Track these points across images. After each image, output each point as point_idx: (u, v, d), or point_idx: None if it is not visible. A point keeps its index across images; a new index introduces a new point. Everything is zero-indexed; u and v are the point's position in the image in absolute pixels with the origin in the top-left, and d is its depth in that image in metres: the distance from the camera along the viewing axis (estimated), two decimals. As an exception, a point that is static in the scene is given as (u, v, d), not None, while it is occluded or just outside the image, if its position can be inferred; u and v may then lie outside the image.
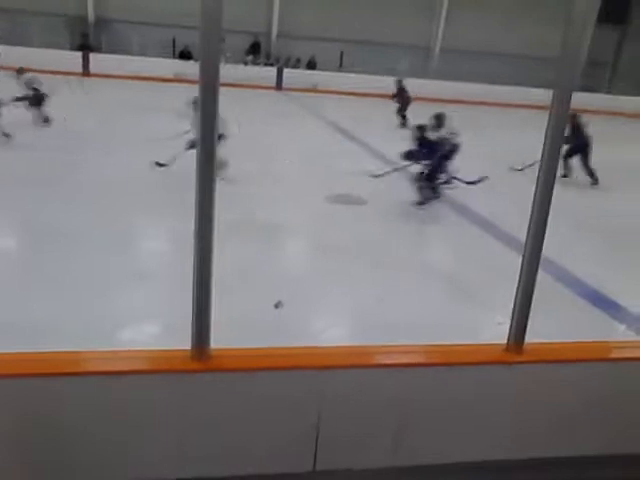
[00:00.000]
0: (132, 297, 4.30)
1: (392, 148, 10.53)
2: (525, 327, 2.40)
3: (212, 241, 1.99)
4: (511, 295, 2.35)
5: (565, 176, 9.59)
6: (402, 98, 14.41)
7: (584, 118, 9.59)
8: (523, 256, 2.31)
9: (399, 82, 14.67)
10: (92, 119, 11.75)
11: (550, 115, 2.18)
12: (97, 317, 3.86)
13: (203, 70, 1.86)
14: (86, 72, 21.01)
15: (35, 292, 4.23)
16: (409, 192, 7.85)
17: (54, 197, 6.51)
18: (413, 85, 15.13)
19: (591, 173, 9.69)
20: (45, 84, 10.59)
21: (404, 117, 14.15)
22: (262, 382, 2.17)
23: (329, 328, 4.19)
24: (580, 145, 9.50)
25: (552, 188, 2.24)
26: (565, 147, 9.01)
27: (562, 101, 2.17)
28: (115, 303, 4.16)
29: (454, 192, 7.62)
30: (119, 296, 4.29)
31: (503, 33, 23.45)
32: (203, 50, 1.85)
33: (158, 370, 2.11)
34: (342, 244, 5.74)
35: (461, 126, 7.85)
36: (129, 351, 2.18)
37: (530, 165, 8.62)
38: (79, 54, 21.19)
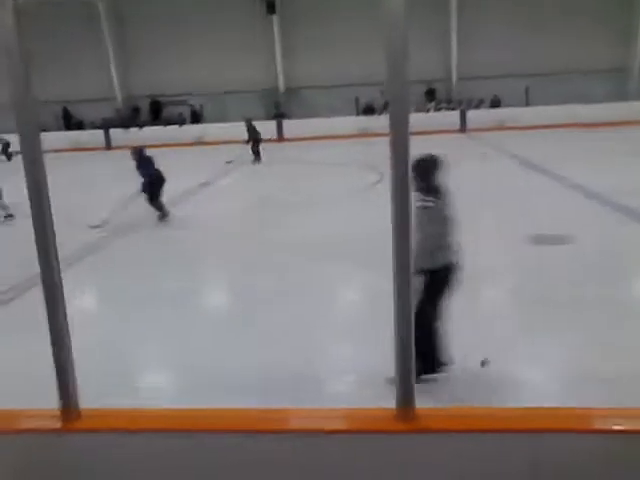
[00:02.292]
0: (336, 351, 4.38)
1: (594, 179, 9.82)
2: None
3: (411, 292, 1.93)
4: None
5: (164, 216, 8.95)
6: (252, 137, 16.08)
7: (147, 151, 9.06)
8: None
9: (248, 122, 16.17)
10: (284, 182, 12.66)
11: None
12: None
13: (393, 122, 1.86)
14: (280, 137, 22.86)
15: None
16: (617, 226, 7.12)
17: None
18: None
19: (159, 207, 8.93)
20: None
21: (257, 153, 16.08)
22: (473, 445, 2.00)
23: (540, 385, 3.84)
24: (153, 179, 8.71)
25: None
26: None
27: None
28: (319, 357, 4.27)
29: None
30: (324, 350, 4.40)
31: None
32: (393, 102, 1.85)
33: (362, 430, 2.06)
34: (550, 289, 5.29)
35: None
36: (332, 409, 2.17)
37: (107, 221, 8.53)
38: (273, 122, 23.20)
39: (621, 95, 21.77)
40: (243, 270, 6.58)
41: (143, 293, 5.90)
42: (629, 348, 4.02)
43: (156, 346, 4.80)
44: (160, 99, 25.25)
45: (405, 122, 1.86)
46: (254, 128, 16.20)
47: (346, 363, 4.22)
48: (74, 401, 2.06)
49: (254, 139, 16.10)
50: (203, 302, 6.04)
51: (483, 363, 3.77)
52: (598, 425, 2.09)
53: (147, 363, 4.70)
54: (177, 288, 5.99)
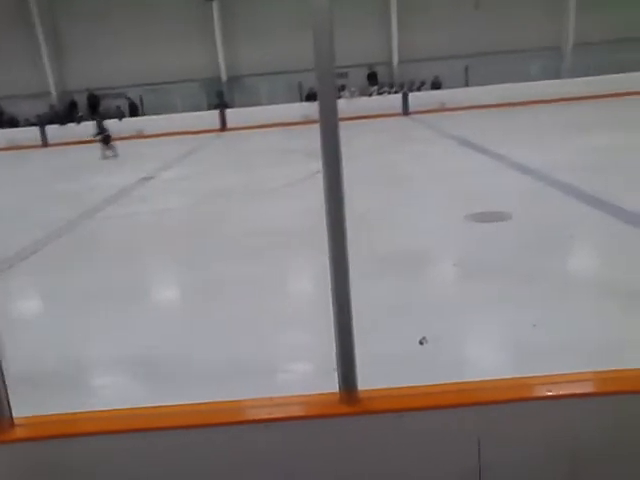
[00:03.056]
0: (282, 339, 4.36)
1: (531, 156, 10.09)
2: None
3: (348, 277, 1.93)
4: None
5: None
6: (101, 133, 17.03)
7: None
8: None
9: (98, 120, 17.46)
10: (232, 170, 12.50)
11: None
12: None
13: (322, 107, 1.85)
14: (223, 127, 22.57)
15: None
16: (556, 204, 7.35)
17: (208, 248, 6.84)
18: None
19: None
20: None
21: (111, 148, 16.79)
22: (415, 423, 2.03)
23: (482, 360, 3.93)
24: None
25: None
26: None
27: None
28: (267, 345, 4.25)
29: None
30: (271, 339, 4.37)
31: None
32: (320, 88, 1.84)
33: (307, 416, 2.06)
34: (491, 265, 5.42)
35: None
36: (276, 398, 2.16)
37: None
38: (216, 112, 22.89)
39: (555, 73, 22.46)
40: (190, 264, 6.47)
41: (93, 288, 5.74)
42: (572, 319, 4.16)
43: (106, 342, 4.67)
44: (97, 93, 24.50)
45: (333, 107, 1.85)
46: (103, 126, 16.89)
47: (298, 350, 4.21)
48: (5, 410, 1.98)
49: (104, 136, 16.70)
50: (157, 296, 5.92)
51: (421, 342, 3.85)
52: (539, 393, 2.15)
53: (97, 361, 4.58)
54: (128, 284, 5.85)
